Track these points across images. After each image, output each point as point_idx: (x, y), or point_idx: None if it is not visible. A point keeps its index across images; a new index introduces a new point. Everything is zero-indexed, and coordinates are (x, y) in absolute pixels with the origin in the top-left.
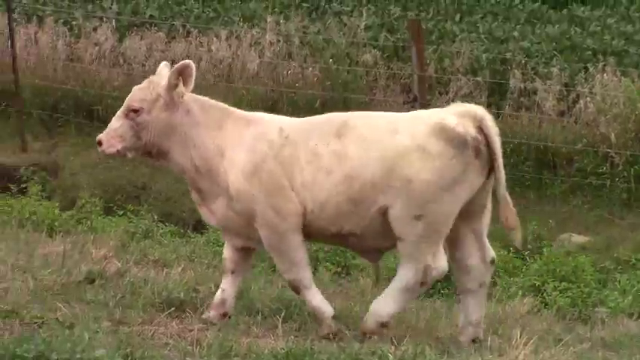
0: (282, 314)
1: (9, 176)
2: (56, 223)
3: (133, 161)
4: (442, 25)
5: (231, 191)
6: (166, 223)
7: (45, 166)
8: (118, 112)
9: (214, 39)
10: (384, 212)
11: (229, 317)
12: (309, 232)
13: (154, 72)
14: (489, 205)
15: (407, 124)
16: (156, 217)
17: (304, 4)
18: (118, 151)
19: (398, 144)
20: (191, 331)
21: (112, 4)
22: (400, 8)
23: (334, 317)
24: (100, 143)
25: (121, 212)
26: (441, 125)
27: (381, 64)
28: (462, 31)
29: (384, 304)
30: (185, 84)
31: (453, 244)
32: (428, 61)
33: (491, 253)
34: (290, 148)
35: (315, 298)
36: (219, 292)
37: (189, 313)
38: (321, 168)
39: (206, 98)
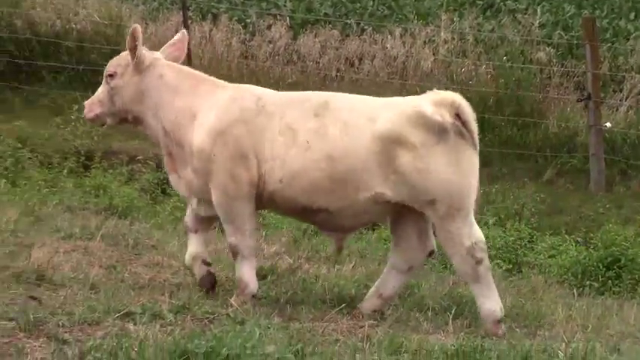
0: (453, 311)
1: None
2: None
3: None
4: (616, 23)
5: (193, 148)
6: None
7: None
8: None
9: (388, 36)
10: (379, 200)
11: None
12: (274, 202)
13: (328, 69)
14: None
15: (386, 112)
16: None
17: (479, 2)
18: (96, 115)
19: (378, 135)
20: (361, 327)
21: (286, 2)
22: (574, 6)
23: (254, 296)
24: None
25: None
26: (418, 114)
27: (555, 62)
28: (637, 29)
29: (484, 304)
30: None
31: (398, 220)
32: (602, 59)
33: (433, 245)
34: (264, 118)
35: (248, 270)
36: (188, 251)
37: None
38: (296, 142)
39: (182, 66)
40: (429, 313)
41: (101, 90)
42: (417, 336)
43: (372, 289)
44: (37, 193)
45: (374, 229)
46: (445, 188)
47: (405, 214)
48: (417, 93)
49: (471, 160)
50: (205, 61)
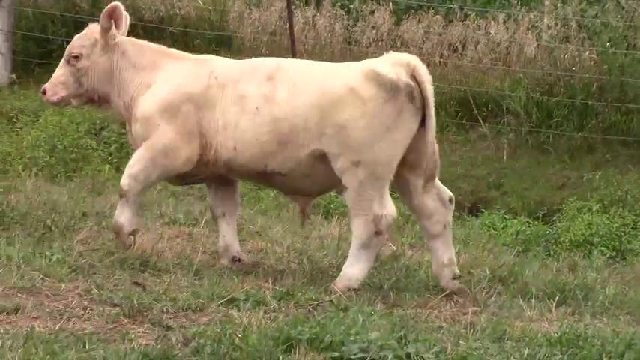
0: (557, 298)
1: None
2: (332, 206)
3: None
4: None
5: (137, 114)
6: None
7: None
8: (61, 61)
9: (492, 22)
10: (318, 156)
11: (240, 261)
12: (232, 169)
13: (431, 55)
14: (436, 148)
15: (339, 71)
16: None
17: None
18: (62, 97)
19: (329, 89)
20: (465, 314)
21: None
22: None
23: (132, 233)
24: (44, 92)
25: (398, 195)
26: (373, 71)
27: None
28: None
29: (351, 268)
30: (117, 26)
31: (407, 194)
32: None
33: (448, 192)
34: (216, 91)
35: (125, 212)
36: (220, 239)
37: (464, 296)
38: (245, 109)
39: (145, 42)
40: (532, 300)
41: (62, 72)
42: (520, 323)
43: (435, 266)
44: None
45: (477, 216)
46: (375, 152)
47: (412, 185)
48: (520, 79)
49: (409, 132)
50: (309, 47)
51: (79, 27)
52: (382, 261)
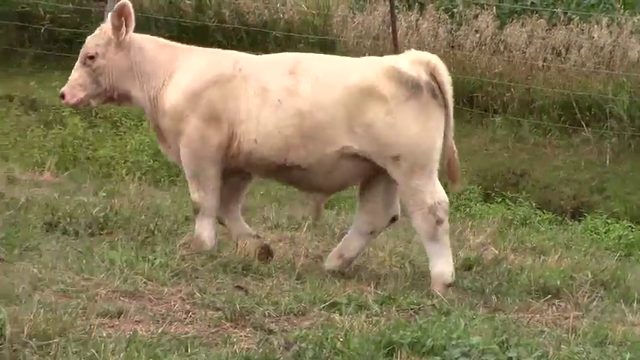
0: None
1: None
2: None
3: (513, 148)
4: None
5: (165, 107)
6: (544, 211)
7: None
8: (76, 64)
9: (595, 26)
10: (347, 154)
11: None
12: (251, 162)
13: (534, 59)
14: None
15: (359, 68)
16: (534, 204)
17: None
18: (81, 99)
19: (352, 86)
20: (566, 318)
21: None
22: None
23: (211, 254)
24: (63, 96)
25: (500, 199)
26: (394, 68)
27: None
28: None
29: (436, 267)
30: (127, 24)
31: (366, 185)
32: None
33: (397, 211)
34: (240, 81)
35: (207, 228)
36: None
37: (565, 301)
38: (268, 101)
39: (157, 37)
40: (635, 305)
41: (79, 73)
42: (623, 327)
43: (335, 250)
44: None
45: (579, 220)
46: (410, 144)
47: (374, 179)
48: (623, 83)
49: (439, 121)
50: None
51: (183, 31)
52: (484, 265)
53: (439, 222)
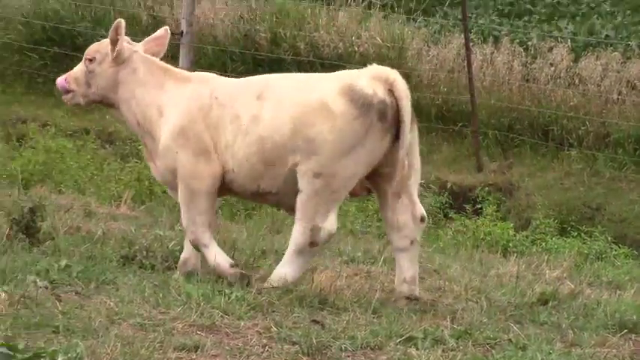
0: None
1: (464, 197)
2: (510, 244)
3: (588, 182)
4: None
5: (159, 147)
6: (620, 245)
7: (500, 187)
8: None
9: None
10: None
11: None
12: (232, 189)
13: (609, 92)
14: (418, 165)
15: (318, 84)
16: (610, 238)
17: None
18: (69, 91)
19: (304, 103)
20: None
21: (567, 24)
22: None
23: (233, 265)
24: (56, 82)
25: (575, 233)
26: (350, 85)
27: None
28: None
29: (282, 270)
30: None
31: (382, 204)
32: None
33: (421, 210)
34: (218, 110)
35: (215, 255)
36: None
37: None
38: (240, 129)
39: (155, 59)
40: None
41: (78, 68)
42: None
43: (397, 279)
44: None
45: None
46: (335, 168)
47: (383, 195)
48: None
49: (375, 149)
50: (487, 83)
51: (259, 64)
52: (560, 299)
53: (314, 244)
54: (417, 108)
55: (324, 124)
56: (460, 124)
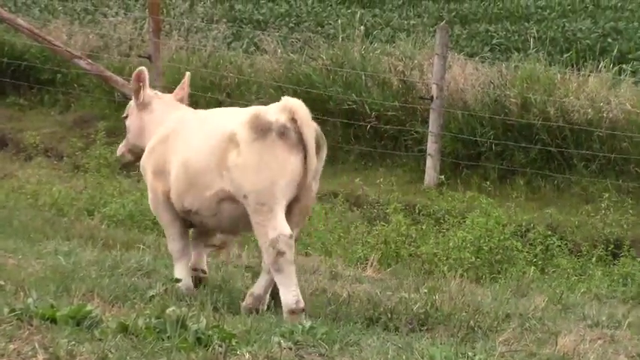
0: None
1: None
2: None
3: None
4: None
5: None
6: None
7: None
8: None
9: None
10: (224, 196)
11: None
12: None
13: None
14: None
15: (235, 117)
16: None
17: None
18: (122, 152)
19: (221, 135)
20: None
21: None
22: None
23: (191, 288)
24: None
25: None
26: (254, 115)
27: None
28: None
29: (283, 296)
30: (143, 88)
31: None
32: None
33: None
34: (174, 136)
35: (181, 270)
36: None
37: None
38: (177, 154)
39: (169, 96)
40: None
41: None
42: None
43: (252, 289)
44: (565, 281)
45: None
46: (254, 183)
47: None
48: None
49: (286, 160)
50: None
51: (508, 130)
52: None
53: (280, 254)
54: None
55: (234, 152)
56: None
